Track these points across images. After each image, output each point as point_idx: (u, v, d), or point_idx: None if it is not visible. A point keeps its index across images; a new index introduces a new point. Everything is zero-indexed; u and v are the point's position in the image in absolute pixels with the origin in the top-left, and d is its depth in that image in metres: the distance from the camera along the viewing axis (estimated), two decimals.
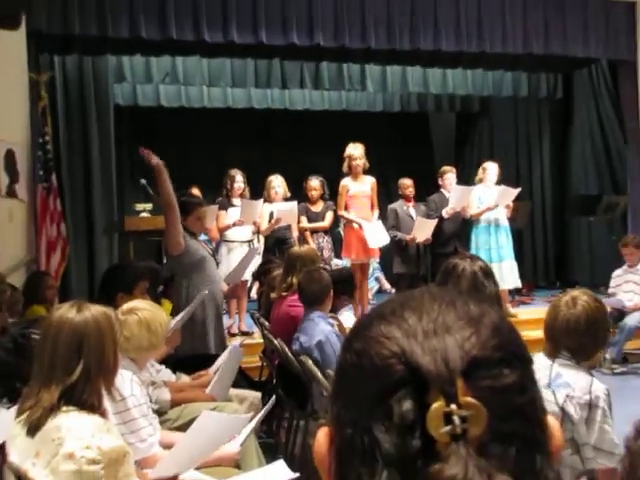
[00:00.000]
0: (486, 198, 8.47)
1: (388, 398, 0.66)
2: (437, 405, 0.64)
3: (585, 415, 2.56)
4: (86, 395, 2.34)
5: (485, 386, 0.67)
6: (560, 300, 2.78)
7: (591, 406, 2.57)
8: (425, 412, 0.65)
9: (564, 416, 2.56)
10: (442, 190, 8.80)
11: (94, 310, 2.48)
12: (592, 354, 2.72)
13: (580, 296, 2.75)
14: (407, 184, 8.67)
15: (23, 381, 2.88)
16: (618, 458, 2.55)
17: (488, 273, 2.93)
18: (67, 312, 2.45)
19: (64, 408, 2.31)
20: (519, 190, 8.83)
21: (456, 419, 0.64)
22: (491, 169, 8.67)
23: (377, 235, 8.13)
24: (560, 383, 2.57)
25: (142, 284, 4.75)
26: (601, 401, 2.58)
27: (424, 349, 0.68)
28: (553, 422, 0.73)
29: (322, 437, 0.74)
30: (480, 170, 8.82)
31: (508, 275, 8.47)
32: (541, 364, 2.64)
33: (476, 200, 8.52)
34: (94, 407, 2.36)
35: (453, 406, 0.64)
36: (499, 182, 8.67)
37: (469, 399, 0.65)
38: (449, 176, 8.81)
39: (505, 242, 8.57)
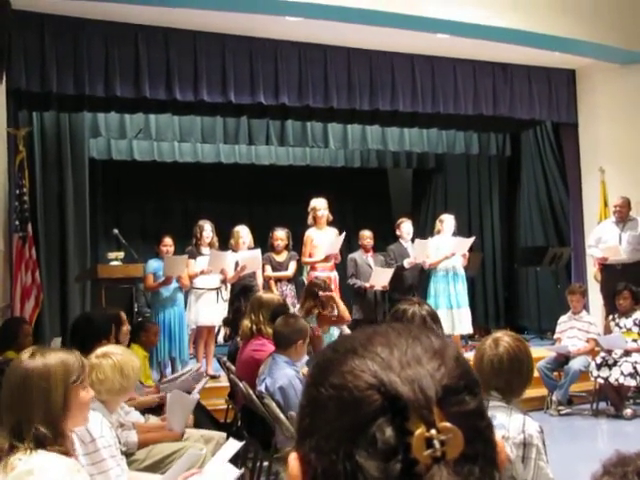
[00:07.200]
0: (443, 247, 8.55)
1: (369, 426, 0.68)
2: (420, 431, 0.67)
3: (521, 453, 2.55)
4: (38, 433, 2.27)
5: (454, 412, 0.70)
6: (484, 343, 2.79)
7: (525, 444, 2.56)
8: (405, 437, 0.67)
9: None
10: (400, 240, 8.88)
11: (49, 356, 2.41)
12: (520, 391, 2.72)
13: (502, 337, 2.78)
14: (366, 235, 8.71)
15: None
16: None
17: (435, 318, 2.97)
18: (21, 356, 2.43)
19: (34, 451, 2.26)
20: (474, 239, 8.94)
21: (436, 443, 0.66)
22: (447, 221, 8.78)
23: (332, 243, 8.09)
24: (495, 425, 2.58)
25: (114, 330, 4.72)
26: (535, 439, 2.58)
27: (402, 379, 0.70)
28: (499, 441, 0.76)
29: (294, 462, 0.75)
30: (437, 222, 8.91)
31: (465, 321, 8.56)
32: None
33: (434, 249, 8.59)
34: (54, 444, 2.29)
35: (433, 431, 0.67)
36: (454, 233, 8.78)
37: (447, 424, 0.68)
38: (405, 225, 8.90)
39: (462, 289, 8.64)
